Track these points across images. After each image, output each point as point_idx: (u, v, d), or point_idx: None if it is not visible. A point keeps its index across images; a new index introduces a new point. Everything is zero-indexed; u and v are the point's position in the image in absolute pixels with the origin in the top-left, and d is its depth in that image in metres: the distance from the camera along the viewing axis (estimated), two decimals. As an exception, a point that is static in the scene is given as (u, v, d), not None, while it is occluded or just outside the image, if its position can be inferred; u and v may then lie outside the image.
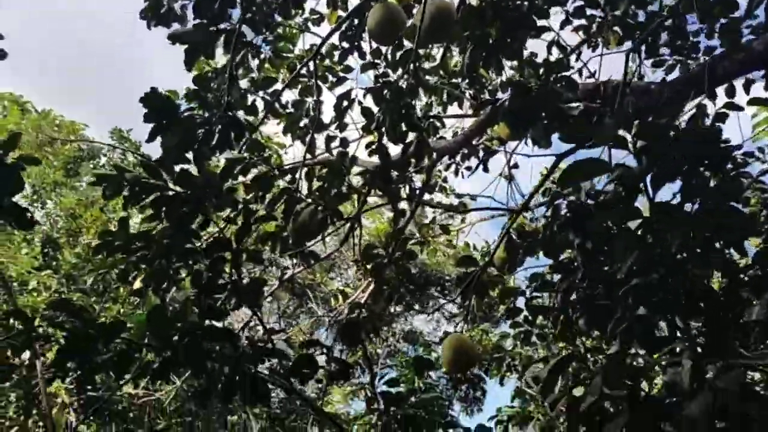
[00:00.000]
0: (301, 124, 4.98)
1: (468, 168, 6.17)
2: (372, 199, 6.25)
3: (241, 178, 4.14)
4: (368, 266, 4.93)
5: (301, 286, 13.64)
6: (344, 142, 4.87)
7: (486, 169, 5.87)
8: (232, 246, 3.40)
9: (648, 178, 2.07)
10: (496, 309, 9.98)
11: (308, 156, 4.80)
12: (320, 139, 4.95)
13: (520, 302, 5.47)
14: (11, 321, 3.21)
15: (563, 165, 4.51)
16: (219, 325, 3.61)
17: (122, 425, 9.32)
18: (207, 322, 3.60)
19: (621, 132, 2.16)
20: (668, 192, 2.37)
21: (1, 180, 2.42)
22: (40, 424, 9.68)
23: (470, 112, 5.69)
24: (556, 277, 4.24)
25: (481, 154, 6.21)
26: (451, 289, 20.91)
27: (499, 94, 4.17)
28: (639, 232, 2.41)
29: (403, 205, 5.19)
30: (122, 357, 3.29)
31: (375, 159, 5.06)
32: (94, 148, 14.59)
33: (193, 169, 3.63)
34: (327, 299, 14.43)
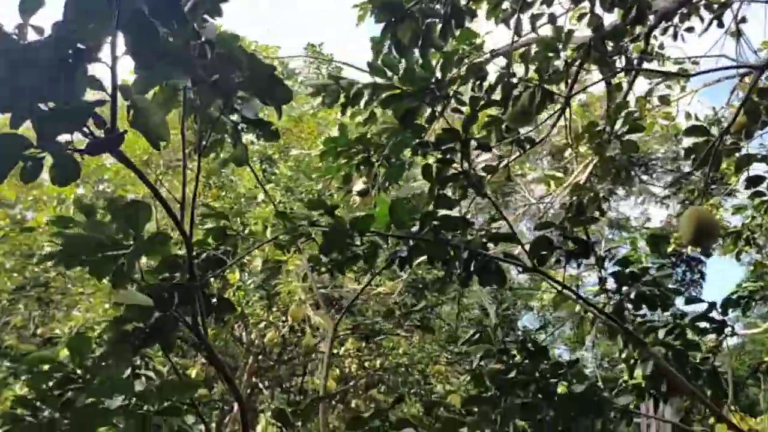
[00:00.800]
0: (504, 5, 4.79)
1: (688, 29, 5.55)
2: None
3: (455, 70, 4.13)
4: (587, 146, 4.76)
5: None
6: (552, 18, 4.63)
7: (721, 24, 5.23)
8: (460, 136, 3.46)
9: None
10: (726, 181, 9.17)
11: (515, 39, 4.64)
12: (525, 20, 4.75)
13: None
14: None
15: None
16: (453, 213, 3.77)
17: (353, 318, 10.28)
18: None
19: None
20: None
21: (272, 93, 2.64)
22: (282, 319, 11.06)
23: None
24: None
25: (702, 12, 5.56)
26: (654, 169, 19.55)
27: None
28: None
29: (620, 76, 4.88)
30: (372, 248, 3.59)
31: (584, 34, 4.75)
32: (289, 69, 15.42)
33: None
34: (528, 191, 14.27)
